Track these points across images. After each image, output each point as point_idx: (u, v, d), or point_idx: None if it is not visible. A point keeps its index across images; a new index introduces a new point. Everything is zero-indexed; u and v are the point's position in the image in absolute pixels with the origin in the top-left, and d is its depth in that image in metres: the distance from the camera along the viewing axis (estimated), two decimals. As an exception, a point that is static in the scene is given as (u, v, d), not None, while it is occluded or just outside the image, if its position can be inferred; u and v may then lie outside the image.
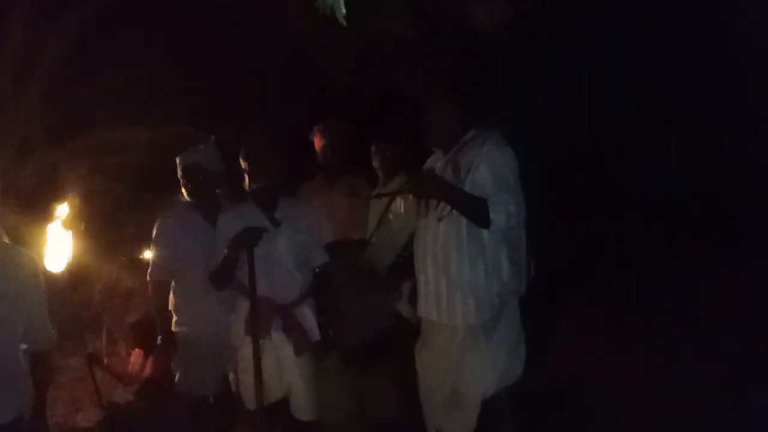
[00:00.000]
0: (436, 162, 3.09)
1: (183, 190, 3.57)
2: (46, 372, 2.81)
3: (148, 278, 3.61)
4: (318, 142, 4.24)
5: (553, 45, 5.27)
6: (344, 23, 2.89)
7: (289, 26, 4.81)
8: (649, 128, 5.72)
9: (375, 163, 4.19)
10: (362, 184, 4.34)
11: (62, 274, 3.36)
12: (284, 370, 3.21)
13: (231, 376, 3.56)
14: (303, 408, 3.28)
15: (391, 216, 3.97)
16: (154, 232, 3.61)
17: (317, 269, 3.39)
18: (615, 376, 4.07)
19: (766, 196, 4.87)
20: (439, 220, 2.90)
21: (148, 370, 4.07)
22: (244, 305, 3.18)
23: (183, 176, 3.54)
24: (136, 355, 4.30)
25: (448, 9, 4.63)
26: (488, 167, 2.80)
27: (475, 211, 2.77)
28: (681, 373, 3.97)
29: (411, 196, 3.36)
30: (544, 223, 3.15)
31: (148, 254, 3.83)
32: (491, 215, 2.74)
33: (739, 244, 4.96)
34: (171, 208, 3.66)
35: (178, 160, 3.55)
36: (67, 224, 3.32)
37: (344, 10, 2.79)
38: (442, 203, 2.90)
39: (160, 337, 3.57)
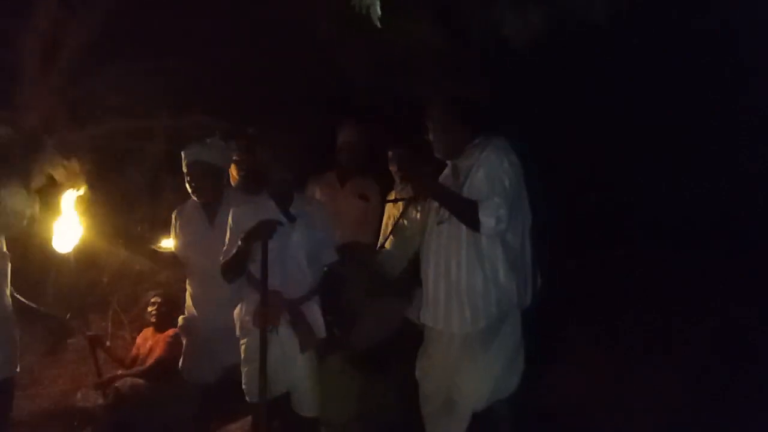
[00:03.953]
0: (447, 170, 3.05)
1: (187, 186, 3.47)
2: None
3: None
4: (339, 140, 4.16)
5: (572, 62, 5.14)
6: (378, 24, 2.81)
7: (314, 24, 4.71)
8: (663, 150, 5.60)
9: (392, 168, 4.10)
10: (373, 186, 4.27)
11: (69, 254, 3.27)
12: (288, 365, 3.14)
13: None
14: (305, 404, 3.22)
15: (405, 221, 3.88)
16: (172, 223, 3.58)
17: (326, 268, 3.31)
18: (619, 399, 3.94)
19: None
20: (439, 223, 2.87)
21: (161, 347, 3.98)
22: (252, 297, 3.11)
23: (188, 173, 3.43)
24: (143, 336, 4.21)
25: (474, 19, 4.52)
26: (483, 171, 2.76)
27: (465, 212, 2.74)
28: (685, 398, 3.84)
29: (422, 201, 3.29)
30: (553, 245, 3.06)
31: (163, 242, 3.75)
32: (480, 217, 2.69)
33: (751, 268, 4.83)
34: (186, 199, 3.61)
35: (183, 155, 3.45)
36: (79, 205, 3.24)
37: (380, 12, 2.73)
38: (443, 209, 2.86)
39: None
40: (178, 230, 3.54)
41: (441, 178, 3.00)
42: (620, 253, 5.23)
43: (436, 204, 2.94)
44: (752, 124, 5.23)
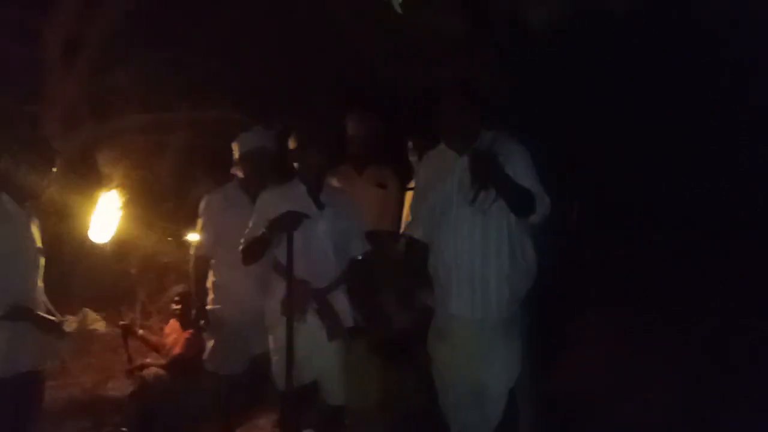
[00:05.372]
0: (441, 158, 3.00)
1: (242, 172, 3.50)
2: None
3: (192, 252, 3.60)
4: (349, 131, 4.18)
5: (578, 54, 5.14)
6: (400, 10, 2.82)
7: (334, 13, 4.75)
8: (663, 150, 5.61)
9: (412, 157, 4.13)
10: (390, 174, 4.28)
11: (105, 245, 3.35)
12: (317, 354, 3.16)
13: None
14: (333, 393, 3.24)
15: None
16: (201, 208, 3.58)
17: (359, 257, 3.32)
18: (619, 399, 3.96)
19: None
20: (485, 211, 2.82)
21: (181, 344, 4.06)
22: (279, 286, 3.12)
23: (247, 158, 3.46)
24: (171, 327, 4.29)
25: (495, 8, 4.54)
26: (521, 162, 2.79)
27: (523, 201, 2.74)
28: (685, 397, 3.88)
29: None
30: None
31: (188, 234, 3.81)
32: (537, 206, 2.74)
33: (751, 268, 4.83)
34: (214, 187, 3.64)
35: (240, 142, 3.48)
36: (114, 198, 3.31)
37: None
38: (482, 195, 2.81)
39: (194, 311, 3.54)
40: (211, 216, 3.54)
41: (462, 169, 2.92)
42: (620, 253, 5.24)
43: (454, 192, 2.90)
44: (752, 124, 5.22)
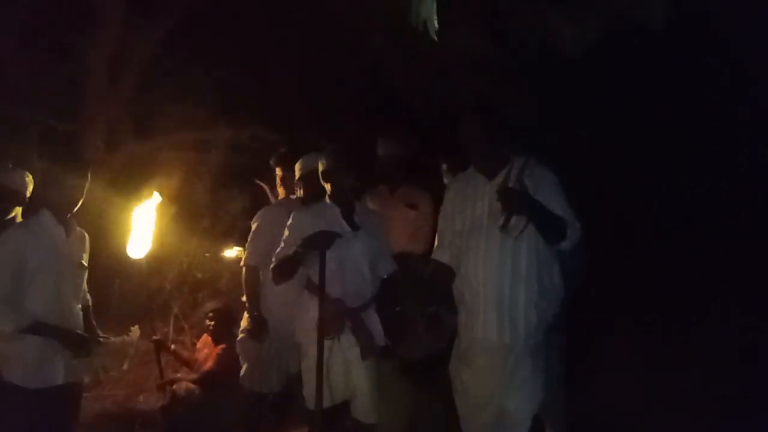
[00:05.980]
0: (470, 182, 3.01)
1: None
2: None
3: (242, 264, 3.62)
4: (380, 151, 4.20)
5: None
6: (435, 37, 2.85)
7: (366, 35, 4.80)
8: (663, 150, 5.57)
9: (446, 180, 4.13)
10: (423, 195, 4.28)
11: (141, 260, 3.40)
12: (350, 372, 3.17)
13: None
14: (365, 411, 3.22)
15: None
16: (257, 220, 3.60)
17: (384, 277, 3.32)
18: (619, 399, 3.93)
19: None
20: (516, 237, 2.82)
21: (212, 359, 4.11)
22: (312, 304, 3.12)
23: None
24: (203, 342, 4.34)
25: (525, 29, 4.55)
26: (552, 189, 2.81)
27: (556, 228, 2.75)
28: (685, 397, 3.86)
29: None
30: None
31: (224, 250, 3.86)
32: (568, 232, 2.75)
33: (751, 268, 4.75)
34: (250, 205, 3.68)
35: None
36: (150, 214, 3.37)
37: (437, 25, 2.76)
38: (514, 220, 2.80)
39: (248, 318, 3.54)
40: (267, 227, 3.53)
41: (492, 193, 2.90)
42: (620, 253, 5.18)
43: (484, 217, 2.90)
44: (752, 124, 5.17)
